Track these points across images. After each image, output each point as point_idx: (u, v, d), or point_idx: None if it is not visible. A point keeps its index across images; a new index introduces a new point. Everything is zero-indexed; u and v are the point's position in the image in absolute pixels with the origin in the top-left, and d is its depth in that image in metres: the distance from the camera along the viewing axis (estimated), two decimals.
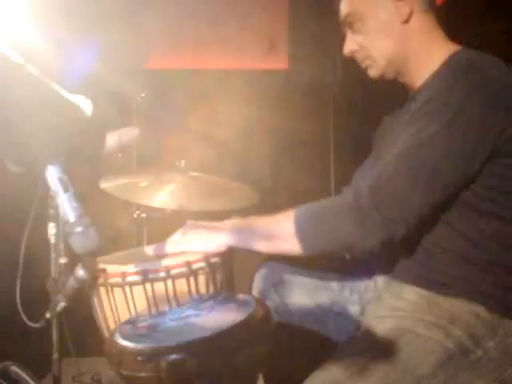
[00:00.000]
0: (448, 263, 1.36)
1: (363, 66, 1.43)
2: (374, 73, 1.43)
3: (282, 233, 1.34)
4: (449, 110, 1.26)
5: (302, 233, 1.31)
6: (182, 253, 1.45)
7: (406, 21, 1.37)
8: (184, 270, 1.43)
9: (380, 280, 1.53)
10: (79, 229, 1.04)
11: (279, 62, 3.19)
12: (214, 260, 1.48)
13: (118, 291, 1.44)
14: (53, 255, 1.44)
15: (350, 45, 1.41)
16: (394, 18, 1.37)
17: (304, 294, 1.62)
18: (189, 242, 1.45)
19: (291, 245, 1.33)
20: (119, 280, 1.42)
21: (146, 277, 1.42)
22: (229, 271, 1.57)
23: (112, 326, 1.47)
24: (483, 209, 1.33)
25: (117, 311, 1.46)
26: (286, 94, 3.09)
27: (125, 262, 1.47)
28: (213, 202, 1.82)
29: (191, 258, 1.44)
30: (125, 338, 1.17)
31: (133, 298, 1.43)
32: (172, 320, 1.24)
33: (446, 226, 1.35)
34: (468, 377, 1.27)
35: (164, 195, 1.81)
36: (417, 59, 1.40)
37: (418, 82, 1.42)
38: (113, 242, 1.85)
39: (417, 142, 1.27)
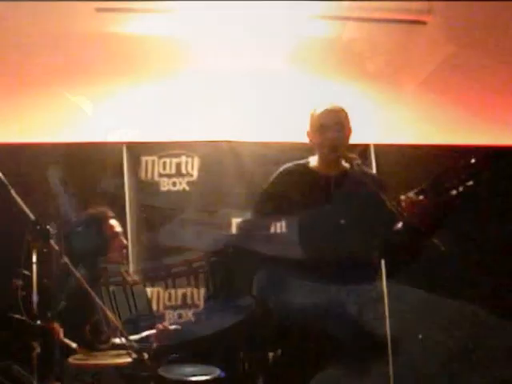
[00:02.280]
0: (448, 264, 1.36)
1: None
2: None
3: None
4: None
5: None
6: None
7: None
8: (184, 268, 1.43)
9: (379, 282, 1.54)
10: (80, 228, 1.05)
11: None
12: (213, 259, 1.48)
13: (118, 290, 1.45)
14: (54, 255, 1.44)
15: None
16: None
17: (302, 294, 1.62)
18: None
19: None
20: (120, 279, 1.43)
21: (146, 276, 1.42)
22: (229, 271, 1.57)
23: (113, 325, 1.47)
24: (485, 208, 1.33)
25: (117, 310, 1.46)
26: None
27: (125, 262, 1.48)
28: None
29: (191, 257, 1.45)
30: (126, 337, 1.17)
31: (133, 297, 1.43)
32: (172, 319, 1.24)
33: (446, 227, 1.35)
34: (470, 377, 1.27)
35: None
36: None
37: None
38: None
39: None
